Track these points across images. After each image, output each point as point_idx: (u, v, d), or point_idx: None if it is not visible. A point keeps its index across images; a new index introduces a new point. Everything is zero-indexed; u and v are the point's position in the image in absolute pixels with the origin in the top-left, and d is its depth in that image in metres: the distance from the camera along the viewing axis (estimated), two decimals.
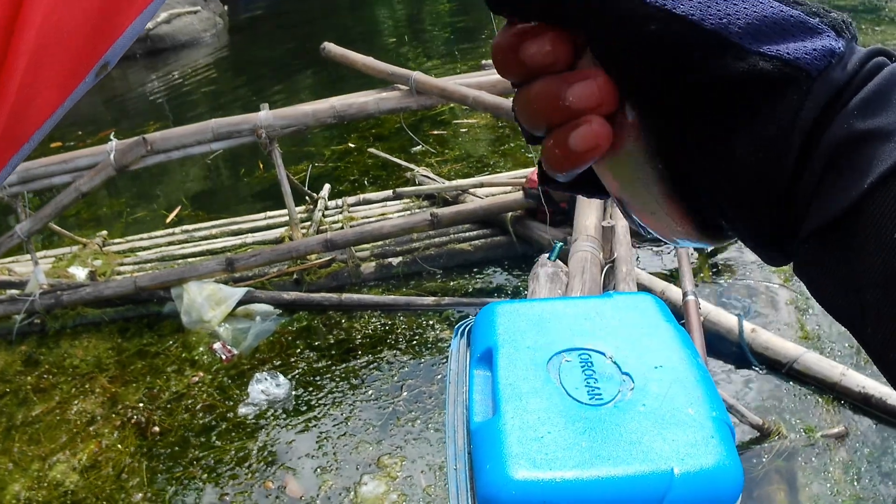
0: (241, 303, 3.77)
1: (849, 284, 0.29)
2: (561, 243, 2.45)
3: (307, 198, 4.56)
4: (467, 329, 1.39)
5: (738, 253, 3.77)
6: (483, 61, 6.97)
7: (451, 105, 5.40)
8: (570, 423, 1.11)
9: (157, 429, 3.22)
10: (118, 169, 3.87)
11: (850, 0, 7.83)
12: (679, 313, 2.56)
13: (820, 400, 2.79)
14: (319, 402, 3.22)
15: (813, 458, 2.57)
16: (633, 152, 0.34)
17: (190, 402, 3.35)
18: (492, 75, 4.08)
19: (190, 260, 4.25)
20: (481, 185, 4.25)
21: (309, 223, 4.35)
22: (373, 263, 3.98)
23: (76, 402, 3.45)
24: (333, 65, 4.35)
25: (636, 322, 1.30)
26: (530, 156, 4.92)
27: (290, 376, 3.38)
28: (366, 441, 2.95)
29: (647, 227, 0.37)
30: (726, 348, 3.02)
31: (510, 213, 3.86)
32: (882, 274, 0.28)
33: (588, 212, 2.61)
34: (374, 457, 2.87)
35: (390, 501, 2.66)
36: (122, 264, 4.33)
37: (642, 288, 3.18)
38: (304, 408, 3.20)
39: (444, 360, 3.23)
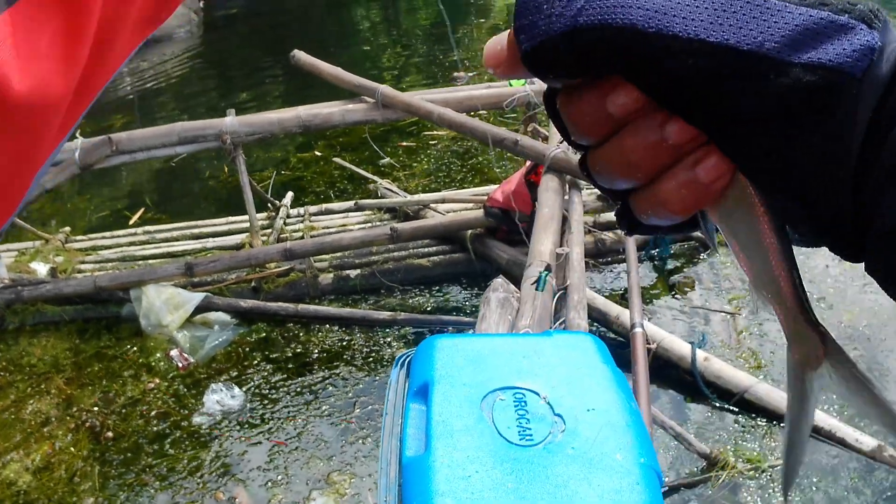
0: (198, 309, 3.74)
1: None
2: (546, 272, 2.36)
3: (269, 205, 4.54)
4: (407, 360, 1.40)
5: (695, 277, 3.81)
6: (455, 73, 7.02)
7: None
8: (499, 462, 1.12)
9: (110, 434, 3.19)
10: (82, 167, 3.83)
11: None
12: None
13: (771, 430, 2.83)
14: (274, 415, 3.21)
15: (760, 490, 2.61)
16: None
17: (145, 408, 3.32)
18: (459, 92, 4.10)
19: (150, 262, 4.21)
20: (443, 201, 4.26)
21: (270, 230, 4.34)
22: (331, 275, 3.97)
23: (31, 401, 3.41)
24: (304, 71, 4.34)
25: (574, 362, 1.32)
26: (498, 171, 4.95)
27: (245, 388, 3.37)
28: (317, 457, 2.95)
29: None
30: (678, 376, 3.06)
31: (470, 231, 3.86)
32: None
33: (543, 237, 2.63)
34: (324, 473, 2.87)
35: None
36: (83, 262, 4.28)
37: (596, 312, 3.21)
38: (258, 421, 3.19)
39: None
